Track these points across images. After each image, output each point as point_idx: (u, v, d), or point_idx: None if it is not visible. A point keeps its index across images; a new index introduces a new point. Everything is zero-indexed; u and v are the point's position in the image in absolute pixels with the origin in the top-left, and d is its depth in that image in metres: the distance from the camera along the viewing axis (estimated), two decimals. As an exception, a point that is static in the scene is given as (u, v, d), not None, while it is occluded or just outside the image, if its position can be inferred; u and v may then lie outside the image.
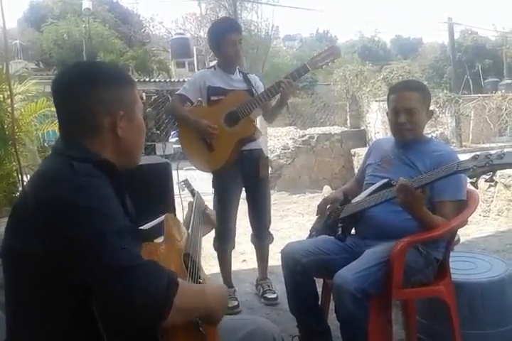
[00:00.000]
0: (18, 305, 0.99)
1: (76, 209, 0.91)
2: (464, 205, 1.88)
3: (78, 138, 1.05)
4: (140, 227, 1.21)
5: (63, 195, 0.92)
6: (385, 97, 2.09)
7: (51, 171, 1.00)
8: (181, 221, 1.44)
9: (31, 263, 0.93)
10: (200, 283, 1.19)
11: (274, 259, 2.96)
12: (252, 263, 3.19)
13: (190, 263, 1.21)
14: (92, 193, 0.94)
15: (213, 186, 2.70)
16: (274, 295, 2.73)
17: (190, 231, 1.36)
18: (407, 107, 1.90)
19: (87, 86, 1.05)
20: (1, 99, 3.54)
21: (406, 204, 1.70)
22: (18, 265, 0.97)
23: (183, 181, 1.72)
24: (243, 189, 2.74)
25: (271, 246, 2.95)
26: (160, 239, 1.16)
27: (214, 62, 2.90)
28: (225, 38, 2.58)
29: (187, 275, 1.14)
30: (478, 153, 1.54)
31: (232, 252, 2.87)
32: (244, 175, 2.66)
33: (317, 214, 2.18)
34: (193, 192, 1.64)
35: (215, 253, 2.79)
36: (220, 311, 1.07)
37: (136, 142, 1.14)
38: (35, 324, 0.96)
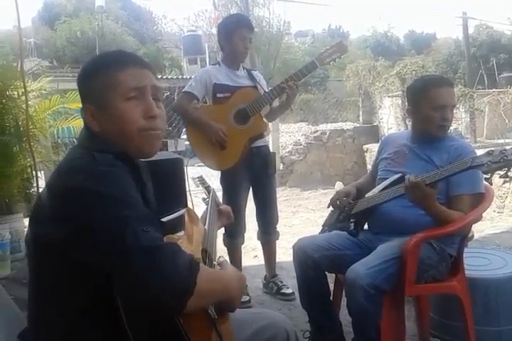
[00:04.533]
0: (40, 292, 1.01)
1: (96, 197, 0.92)
2: (481, 198, 1.85)
3: (96, 131, 1.07)
4: (159, 219, 1.22)
5: (84, 183, 0.93)
6: (398, 93, 2.07)
7: (73, 161, 1.02)
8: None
9: (54, 251, 0.94)
10: None
11: (286, 255, 2.96)
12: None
13: (207, 259, 1.22)
14: (112, 181, 0.95)
15: (221, 183, 2.69)
16: (290, 290, 2.72)
17: (206, 227, 1.36)
18: (453, 104, 1.89)
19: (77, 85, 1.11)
20: (16, 96, 3.58)
21: (418, 202, 1.69)
22: (41, 252, 0.99)
23: (197, 178, 1.71)
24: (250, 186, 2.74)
25: (283, 242, 2.95)
26: (180, 233, 1.17)
27: None
28: (236, 32, 2.57)
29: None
30: (492, 148, 1.52)
31: (244, 248, 2.87)
32: (253, 172, 2.66)
33: (328, 207, 2.17)
34: (208, 189, 1.63)
35: (226, 249, 2.80)
36: (237, 299, 1.07)
37: (117, 132, 1.04)
38: (55, 311, 0.98)
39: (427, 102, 1.89)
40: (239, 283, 1.08)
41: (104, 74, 1.05)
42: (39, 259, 1.01)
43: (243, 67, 2.73)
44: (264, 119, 2.67)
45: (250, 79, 2.68)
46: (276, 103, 2.81)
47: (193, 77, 2.80)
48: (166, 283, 0.87)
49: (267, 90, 2.67)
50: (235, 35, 2.58)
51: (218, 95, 2.59)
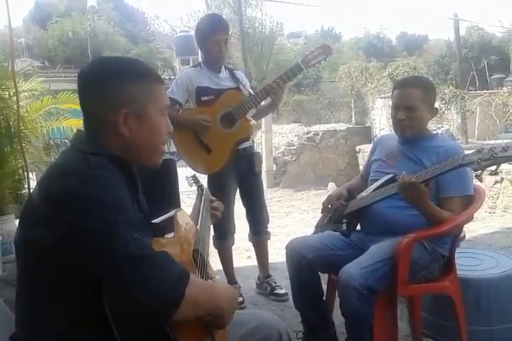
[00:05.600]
0: (30, 295, 1.00)
1: (87, 201, 0.91)
2: (471, 200, 1.86)
3: (93, 134, 1.07)
4: (150, 221, 1.21)
5: (75, 187, 0.93)
6: (390, 94, 2.09)
7: (65, 164, 1.02)
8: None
9: (43, 254, 0.94)
10: (209, 279, 1.19)
11: (280, 256, 2.96)
12: (257, 259, 3.19)
13: (199, 260, 1.21)
14: (104, 185, 0.95)
15: (209, 185, 2.67)
16: (284, 291, 2.72)
17: (198, 227, 1.35)
18: (406, 104, 1.90)
19: (94, 81, 1.06)
20: (7, 97, 3.55)
21: (412, 200, 1.70)
22: (30, 255, 0.98)
23: (191, 177, 1.71)
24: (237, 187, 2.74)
25: (276, 243, 2.95)
26: (170, 235, 1.16)
27: None
28: (209, 36, 2.54)
29: (196, 272, 1.14)
30: (482, 146, 1.54)
31: (237, 249, 2.86)
32: (240, 173, 2.66)
33: (322, 212, 2.18)
34: (201, 188, 1.63)
35: (216, 251, 2.79)
36: (229, 312, 1.05)
37: (145, 142, 1.09)
38: (44, 313, 0.97)
39: (391, 103, 2.00)
40: (230, 295, 1.07)
41: (147, 85, 1.08)
42: (28, 261, 0.99)
43: (225, 68, 2.70)
44: (251, 122, 2.66)
45: (233, 79, 2.66)
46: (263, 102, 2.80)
47: (173, 80, 2.76)
48: (153, 293, 0.87)
49: (249, 89, 2.66)
50: (208, 39, 2.54)
51: (203, 98, 2.57)
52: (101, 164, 0.99)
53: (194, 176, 1.70)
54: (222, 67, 2.68)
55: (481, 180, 1.59)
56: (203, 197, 1.53)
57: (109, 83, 1.05)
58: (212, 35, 2.54)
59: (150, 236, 0.99)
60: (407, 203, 1.73)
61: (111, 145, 1.06)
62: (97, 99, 1.05)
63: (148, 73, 1.11)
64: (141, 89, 1.07)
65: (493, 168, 1.51)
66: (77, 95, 1.10)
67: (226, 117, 2.52)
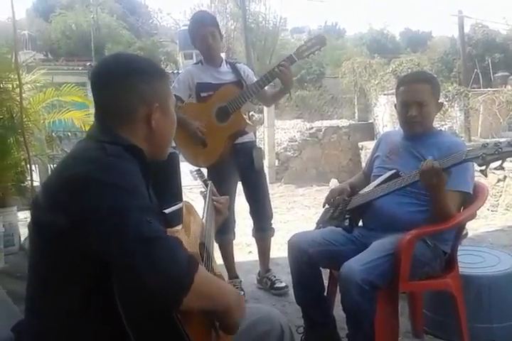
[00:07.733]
0: (40, 281, 1.01)
1: (101, 185, 0.94)
2: (468, 199, 1.85)
3: (113, 127, 1.09)
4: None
5: (91, 172, 0.95)
6: (394, 90, 2.07)
7: (83, 151, 1.05)
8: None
9: (56, 238, 0.95)
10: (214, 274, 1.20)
11: (281, 251, 2.96)
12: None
13: (205, 253, 1.22)
14: (119, 171, 0.98)
15: (209, 180, 2.69)
16: (284, 284, 2.72)
17: (204, 220, 1.36)
18: (417, 100, 1.88)
19: (124, 77, 1.09)
20: (10, 89, 3.55)
21: (430, 187, 1.67)
22: (44, 239, 1.00)
23: (195, 171, 1.70)
24: (239, 182, 2.74)
25: (277, 238, 2.95)
26: (178, 227, 1.17)
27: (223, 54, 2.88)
28: (196, 33, 2.58)
29: (202, 265, 1.14)
30: (487, 141, 1.53)
31: (238, 244, 2.85)
32: (240, 168, 2.67)
33: (323, 206, 2.17)
34: (205, 182, 1.63)
35: (217, 245, 2.79)
36: (236, 311, 1.02)
37: (167, 135, 1.17)
38: (54, 299, 0.98)
39: (397, 99, 1.98)
40: (236, 295, 1.06)
41: (167, 82, 1.17)
42: (41, 246, 1.01)
43: (226, 62, 2.71)
44: (253, 117, 2.66)
45: (234, 73, 2.66)
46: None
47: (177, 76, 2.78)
48: (163, 276, 0.88)
49: (254, 80, 2.64)
50: (196, 35, 2.60)
51: (202, 94, 2.60)
52: (117, 152, 1.02)
53: (199, 170, 1.69)
54: (223, 61, 2.69)
55: (486, 175, 1.58)
56: (207, 191, 1.53)
57: (143, 79, 1.10)
58: (196, 30, 2.58)
59: (162, 222, 1.01)
60: (425, 189, 1.69)
61: (132, 138, 1.09)
62: (130, 94, 1.08)
63: (164, 72, 1.20)
64: (164, 86, 1.15)
65: (499, 163, 1.50)
66: (95, 88, 1.12)
67: (221, 111, 2.54)
